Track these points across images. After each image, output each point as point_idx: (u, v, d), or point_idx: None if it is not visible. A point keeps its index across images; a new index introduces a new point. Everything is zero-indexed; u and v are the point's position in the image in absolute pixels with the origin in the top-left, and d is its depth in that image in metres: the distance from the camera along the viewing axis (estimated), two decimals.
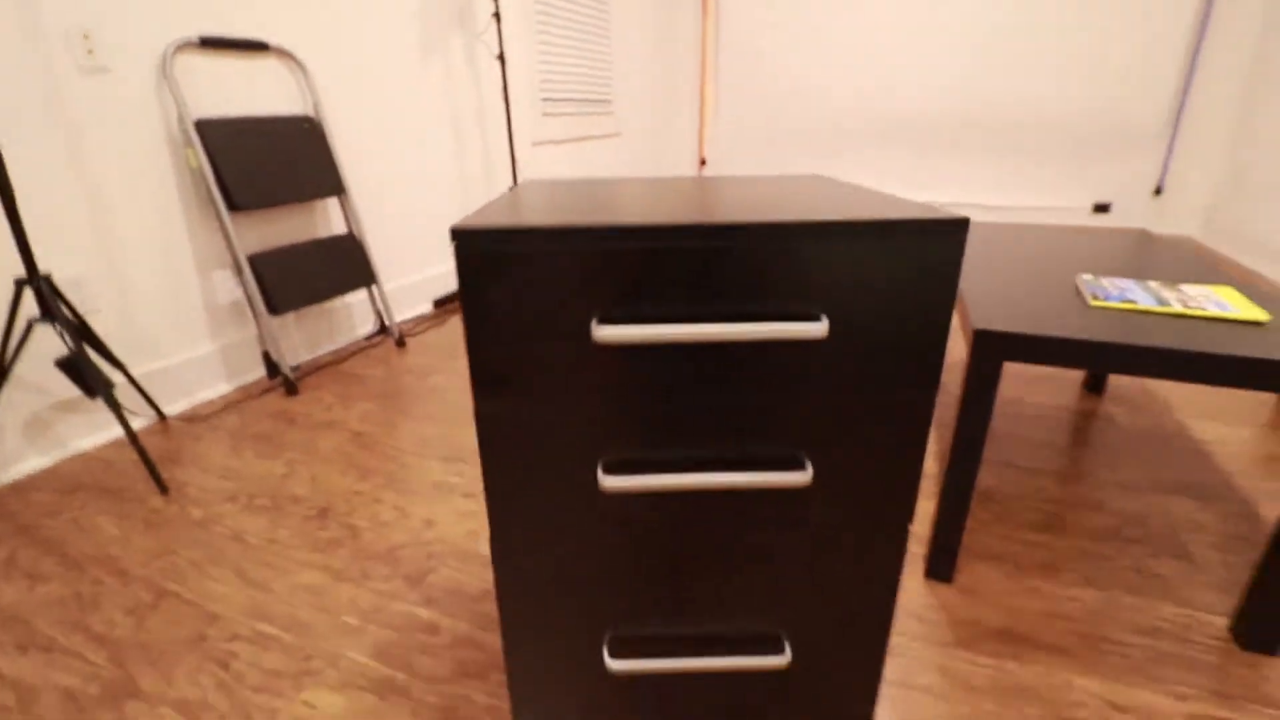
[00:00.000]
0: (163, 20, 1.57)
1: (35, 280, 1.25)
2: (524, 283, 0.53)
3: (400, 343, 2.19)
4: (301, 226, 2.01)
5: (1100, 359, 0.86)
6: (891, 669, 0.92)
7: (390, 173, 2.32)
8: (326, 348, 2.12)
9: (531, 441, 0.58)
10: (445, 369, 2.00)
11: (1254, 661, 0.92)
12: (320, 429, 1.63)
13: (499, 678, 0.91)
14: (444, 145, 2.55)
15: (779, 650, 0.68)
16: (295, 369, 1.96)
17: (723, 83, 4.52)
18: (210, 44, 1.63)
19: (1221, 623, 0.99)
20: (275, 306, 1.77)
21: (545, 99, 3.14)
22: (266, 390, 1.85)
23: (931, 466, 1.44)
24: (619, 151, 4.04)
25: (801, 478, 0.58)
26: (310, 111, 1.96)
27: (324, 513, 1.29)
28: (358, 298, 2.25)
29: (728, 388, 0.57)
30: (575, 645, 0.68)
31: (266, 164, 1.76)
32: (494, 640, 0.97)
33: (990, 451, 1.49)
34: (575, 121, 3.43)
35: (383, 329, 2.27)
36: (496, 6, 2.34)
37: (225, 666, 0.93)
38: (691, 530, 0.63)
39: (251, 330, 1.90)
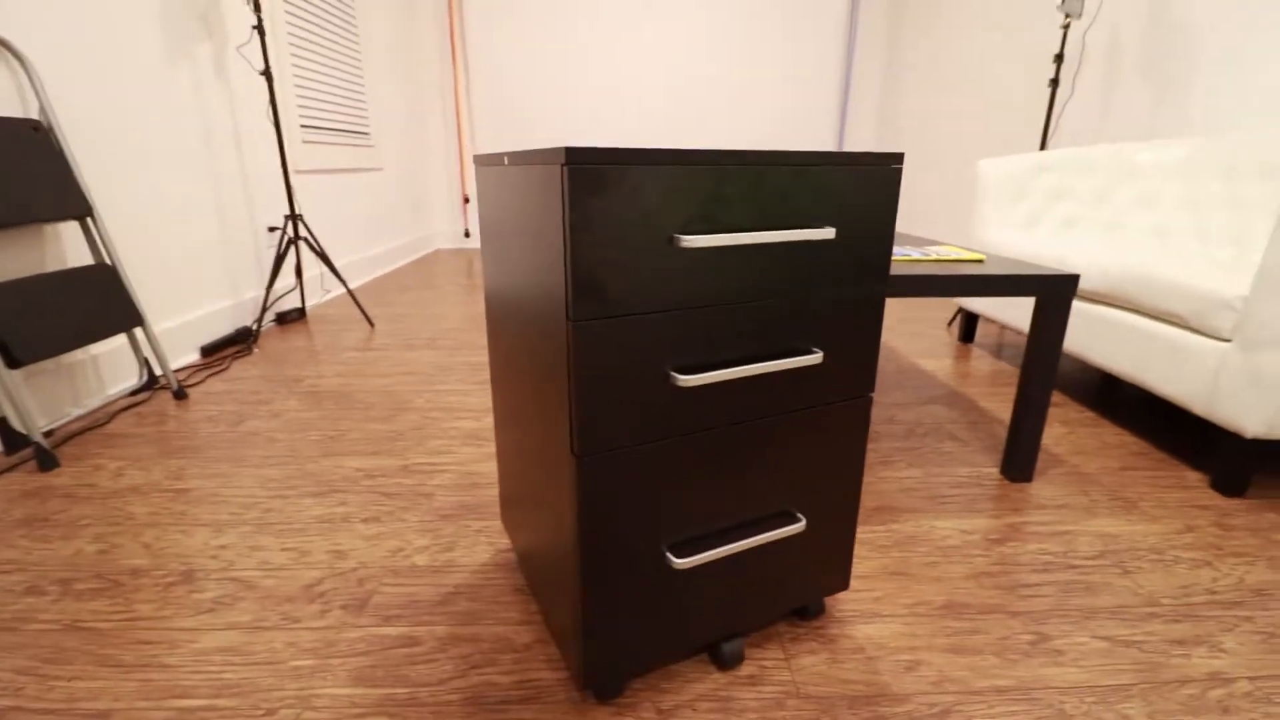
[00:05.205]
0: None
1: None
2: (620, 198, 0.60)
3: (180, 394, 1.82)
4: (33, 259, 1.57)
5: (901, 288, 1.20)
6: None
7: (134, 197, 1.92)
8: (71, 413, 1.66)
9: (618, 347, 0.64)
10: (259, 414, 1.73)
11: (1020, 488, 1.35)
12: (122, 495, 1.30)
13: (511, 657, 0.88)
14: (199, 168, 2.20)
15: (796, 520, 0.82)
16: (48, 435, 1.50)
17: (477, 122, 4.62)
18: None
19: (994, 471, 1.42)
20: (17, 357, 1.36)
21: (305, 125, 2.89)
22: (6, 469, 1.39)
23: None
24: (384, 185, 3.85)
25: (816, 359, 0.74)
26: (36, 115, 1.56)
27: (190, 575, 1.06)
28: (104, 348, 1.81)
29: (771, 294, 0.71)
30: (646, 546, 0.74)
31: None
32: (487, 631, 0.93)
33: None
34: (337, 151, 3.20)
35: (152, 380, 1.85)
36: (259, 18, 2.11)
37: None
38: (743, 419, 0.74)
39: None
